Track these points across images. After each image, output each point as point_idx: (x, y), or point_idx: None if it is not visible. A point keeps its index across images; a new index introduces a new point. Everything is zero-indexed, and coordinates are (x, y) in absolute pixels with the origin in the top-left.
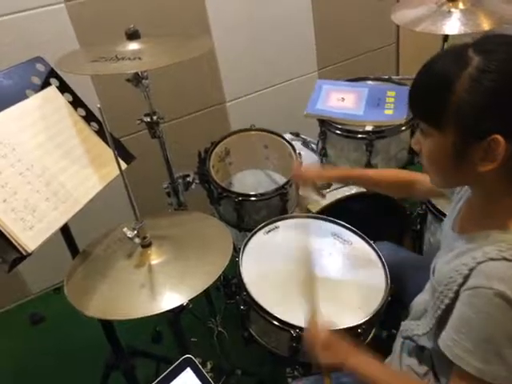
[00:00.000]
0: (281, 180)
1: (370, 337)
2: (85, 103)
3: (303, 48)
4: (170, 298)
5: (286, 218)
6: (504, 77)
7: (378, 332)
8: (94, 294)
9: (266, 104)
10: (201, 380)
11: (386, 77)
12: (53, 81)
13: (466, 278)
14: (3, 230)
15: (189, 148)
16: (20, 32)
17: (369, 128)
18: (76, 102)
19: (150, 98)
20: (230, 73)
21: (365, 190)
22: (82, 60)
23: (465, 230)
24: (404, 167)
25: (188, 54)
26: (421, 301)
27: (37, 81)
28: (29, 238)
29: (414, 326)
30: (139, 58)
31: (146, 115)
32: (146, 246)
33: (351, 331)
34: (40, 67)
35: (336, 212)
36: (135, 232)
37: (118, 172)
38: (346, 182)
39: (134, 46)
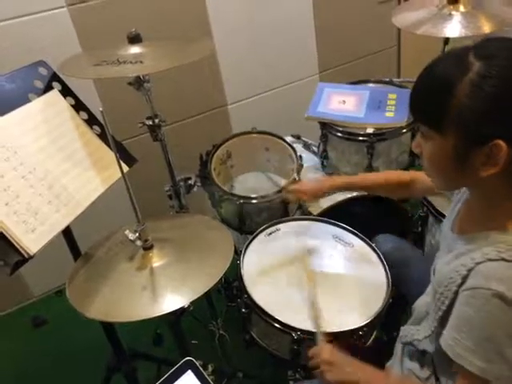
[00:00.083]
0: (282, 182)
1: (371, 339)
2: (87, 107)
3: (304, 51)
4: (172, 301)
5: (287, 221)
6: (505, 82)
7: (379, 334)
8: (96, 297)
9: (268, 107)
10: (202, 382)
11: (387, 79)
12: (55, 84)
13: (465, 278)
14: (5, 233)
15: (190, 151)
16: (23, 36)
17: (370, 130)
18: (78, 106)
19: (152, 101)
20: (231, 76)
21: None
22: (85, 64)
23: (464, 231)
24: (405, 170)
25: (189, 58)
26: (423, 303)
27: (39, 85)
28: (31, 241)
29: (414, 331)
30: (141, 62)
31: (148, 118)
32: (148, 248)
33: (352, 333)
34: (42, 71)
35: (337, 214)
36: (137, 234)
37: (119, 175)
38: (346, 189)
39: (135, 49)
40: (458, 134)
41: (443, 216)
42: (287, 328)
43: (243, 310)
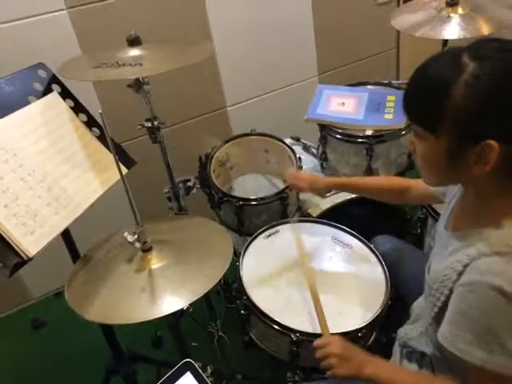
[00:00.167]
0: (281, 184)
1: (371, 340)
2: (86, 109)
3: (304, 53)
4: (171, 303)
5: (287, 223)
6: (499, 83)
7: (379, 336)
8: (95, 299)
9: (267, 109)
10: None
11: (386, 81)
12: (55, 87)
13: (460, 274)
14: (4, 235)
15: (190, 153)
16: (23, 38)
17: (369, 132)
18: (77, 108)
19: (151, 103)
20: (230, 78)
21: None
22: (84, 66)
23: (458, 228)
24: (404, 171)
25: (189, 60)
26: (421, 304)
27: (39, 87)
28: (30, 243)
29: (408, 330)
30: (140, 64)
31: (147, 120)
32: (147, 250)
33: (351, 335)
34: (42, 73)
35: (336, 216)
36: (136, 236)
37: (118, 177)
38: (339, 189)
39: (135, 52)
40: (451, 134)
41: None
42: (286, 330)
43: (242, 312)
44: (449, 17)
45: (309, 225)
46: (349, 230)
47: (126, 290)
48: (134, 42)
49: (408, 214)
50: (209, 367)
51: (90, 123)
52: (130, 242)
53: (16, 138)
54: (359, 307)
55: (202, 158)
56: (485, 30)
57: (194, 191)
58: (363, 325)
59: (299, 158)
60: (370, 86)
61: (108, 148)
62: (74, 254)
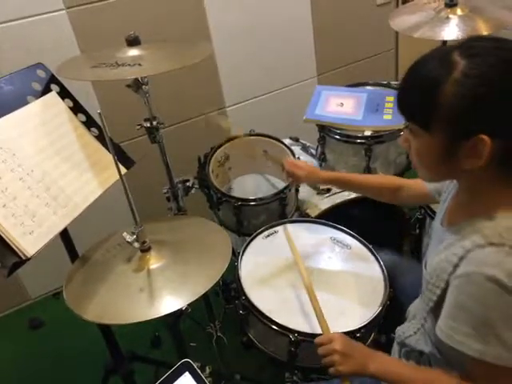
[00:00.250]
0: (280, 184)
1: (369, 341)
2: (85, 109)
3: (302, 54)
4: (169, 303)
5: (285, 223)
6: (489, 80)
7: (377, 336)
8: (93, 299)
9: (266, 109)
10: None
11: (385, 82)
12: (53, 87)
13: (456, 266)
14: (3, 235)
15: (188, 153)
16: (21, 38)
17: (367, 133)
18: (76, 108)
19: (150, 103)
20: (229, 78)
21: None
22: (83, 66)
23: (452, 223)
24: (403, 172)
25: (188, 61)
26: (417, 305)
27: (37, 87)
28: (28, 243)
29: (405, 328)
30: (139, 64)
31: (146, 120)
32: (146, 250)
33: (350, 335)
34: (41, 73)
35: (335, 216)
36: (134, 236)
37: (117, 177)
38: (334, 184)
39: (134, 52)
40: (444, 130)
41: None
42: (284, 330)
43: (241, 312)
44: (448, 18)
45: (308, 225)
46: (348, 230)
47: (124, 290)
48: (133, 42)
49: (407, 214)
50: (207, 367)
51: (89, 123)
52: (128, 242)
53: (15, 137)
54: (358, 307)
55: (200, 159)
56: (483, 31)
57: (192, 191)
58: (362, 325)
59: (298, 159)
60: (368, 87)
61: (107, 148)
62: (73, 254)
